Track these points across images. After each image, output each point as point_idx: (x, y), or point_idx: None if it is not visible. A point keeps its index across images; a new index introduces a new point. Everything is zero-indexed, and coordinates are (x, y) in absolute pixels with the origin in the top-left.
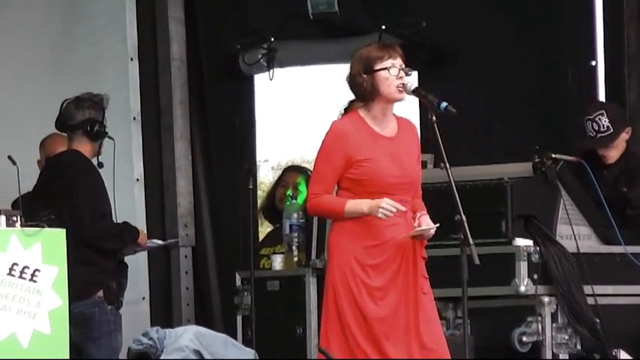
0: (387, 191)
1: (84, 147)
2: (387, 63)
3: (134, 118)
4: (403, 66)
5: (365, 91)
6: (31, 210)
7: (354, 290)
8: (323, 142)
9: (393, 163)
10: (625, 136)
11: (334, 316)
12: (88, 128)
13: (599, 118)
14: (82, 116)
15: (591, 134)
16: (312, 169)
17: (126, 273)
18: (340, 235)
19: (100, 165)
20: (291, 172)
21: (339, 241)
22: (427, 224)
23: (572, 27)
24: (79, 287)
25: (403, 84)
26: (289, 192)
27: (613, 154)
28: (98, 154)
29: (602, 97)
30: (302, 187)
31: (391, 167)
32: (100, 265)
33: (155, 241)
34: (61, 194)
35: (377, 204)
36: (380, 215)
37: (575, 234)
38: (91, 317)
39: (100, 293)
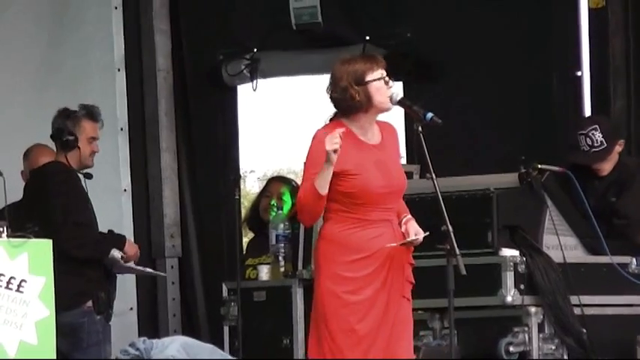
0: (375, 202)
1: (63, 157)
2: (377, 74)
3: (121, 129)
4: (387, 76)
5: (358, 103)
6: (17, 222)
7: (341, 302)
8: (309, 150)
9: (380, 173)
10: (618, 148)
11: (322, 327)
12: (60, 138)
13: (593, 133)
14: (56, 126)
15: (585, 149)
16: (297, 180)
17: (114, 283)
18: (327, 244)
19: (88, 176)
20: (275, 183)
21: (326, 252)
22: (415, 230)
23: (558, 37)
24: (67, 297)
25: (392, 93)
26: (273, 202)
27: (607, 166)
28: (88, 164)
29: (587, 107)
30: (286, 197)
31: (378, 178)
32: (88, 275)
33: (145, 269)
34: (41, 206)
35: (327, 150)
36: (329, 147)
37: (561, 244)
38: (80, 327)
39: (89, 303)
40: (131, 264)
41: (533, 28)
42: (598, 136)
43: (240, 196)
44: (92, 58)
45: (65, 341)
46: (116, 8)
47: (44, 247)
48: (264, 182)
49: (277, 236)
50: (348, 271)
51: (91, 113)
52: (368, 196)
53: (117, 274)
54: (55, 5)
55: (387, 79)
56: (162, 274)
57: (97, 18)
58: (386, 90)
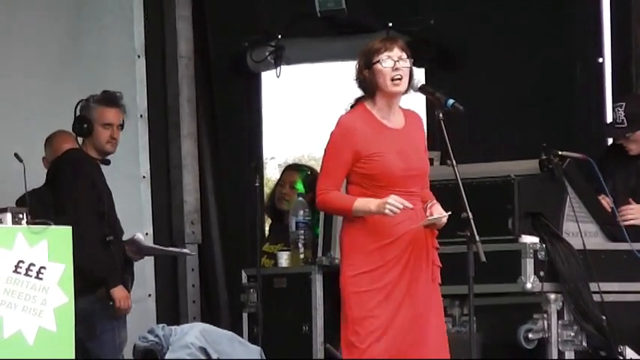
0: (396, 184)
1: (83, 145)
2: (383, 56)
3: (141, 116)
4: (403, 57)
5: (367, 85)
6: (38, 208)
7: (363, 287)
8: (330, 137)
9: (401, 156)
10: None
11: (346, 315)
12: (76, 125)
13: (617, 109)
14: (75, 115)
15: (613, 123)
16: (314, 166)
17: (131, 270)
18: (352, 231)
19: (105, 162)
20: (289, 172)
21: (352, 240)
22: (439, 213)
23: (579, 25)
24: (81, 283)
25: (400, 75)
26: (284, 191)
27: (632, 147)
28: (107, 151)
29: (608, 94)
30: (299, 186)
31: (399, 160)
32: (104, 255)
33: (167, 248)
34: (56, 194)
35: (384, 201)
36: (387, 212)
37: (581, 231)
38: (93, 313)
39: (104, 290)
40: (154, 245)
41: (555, 15)
42: (621, 113)
43: (261, 183)
44: (112, 45)
45: (78, 327)
46: None
47: (64, 234)
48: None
49: (297, 223)
50: (374, 256)
51: (107, 99)
52: (389, 178)
53: (134, 261)
54: None
55: (401, 59)
56: (185, 251)
57: (118, 5)
58: (388, 72)
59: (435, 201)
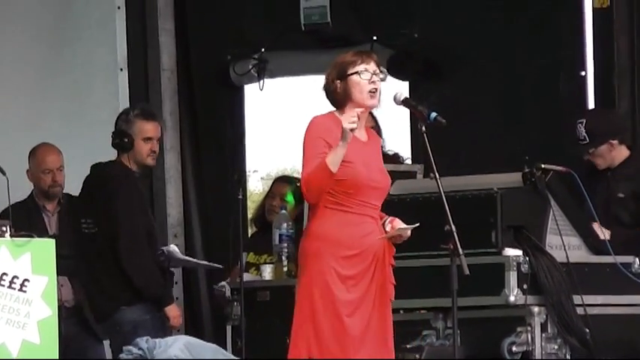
0: (362, 193)
1: (124, 159)
2: (360, 67)
3: None
4: (377, 71)
5: (338, 96)
6: (75, 216)
7: (332, 298)
8: (306, 133)
9: (367, 166)
10: (607, 147)
11: (307, 327)
12: (116, 140)
13: (579, 126)
14: (114, 129)
15: (576, 140)
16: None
17: (171, 280)
18: (316, 240)
19: (145, 176)
20: (279, 183)
21: (316, 246)
22: (402, 225)
23: (562, 37)
24: (130, 293)
25: (376, 89)
26: (275, 203)
27: (599, 161)
28: (148, 164)
29: (591, 107)
30: (289, 198)
31: (367, 171)
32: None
33: (199, 261)
34: (100, 207)
35: (342, 131)
36: (346, 125)
37: (564, 244)
38: (144, 323)
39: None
40: (186, 257)
41: (538, 27)
42: (582, 130)
43: (244, 195)
44: (95, 58)
45: (128, 337)
46: (119, 8)
47: (47, 246)
48: (268, 182)
49: (281, 236)
50: (341, 267)
51: (146, 113)
52: (357, 186)
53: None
54: (57, 5)
55: (376, 73)
56: (217, 265)
57: (101, 17)
58: (365, 85)
59: (392, 217)
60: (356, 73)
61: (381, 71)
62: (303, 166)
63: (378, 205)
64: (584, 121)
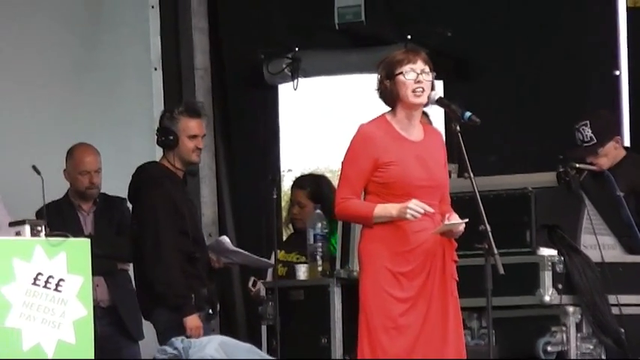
0: (413, 194)
1: (169, 157)
2: (406, 67)
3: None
4: (426, 70)
5: (388, 96)
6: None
7: (386, 298)
8: (350, 145)
9: (419, 166)
10: (613, 145)
11: (364, 325)
12: (161, 138)
13: (583, 129)
14: (159, 128)
15: (579, 143)
16: (332, 178)
17: (216, 280)
18: (370, 242)
19: (192, 173)
20: (294, 190)
21: (370, 248)
22: (455, 219)
23: (596, 36)
24: (156, 300)
25: (422, 88)
26: (295, 211)
27: (602, 161)
28: (193, 161)
29: (625, 106)
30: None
31: (418, 170)
32: (188, 271)
33: (252, 255)
34: (138, 213)
35: (405, 205)
36: (408, 216)
37: (599, 243)
38: (171, 328)
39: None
40: (237, 248)
41: (570, 27)
42: (588, 131)
43: (278, 195)
44: (129, 57)
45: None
46: (153, 7)
47: (82, 246)
48: None
49: (315, 235)
50: (393, 265)
51: (191, 110)
52: (406, 187)
53: (215, 267)
54: (90, 5)
55: (424, 72)
56: (267, 261)
57: (134, 17)
58: (410, 84)
59: (450, 212)
60: (401, 73)
61: (430, 69)
62: (340, 180)
63: (434, 203)
64: (588, 122)
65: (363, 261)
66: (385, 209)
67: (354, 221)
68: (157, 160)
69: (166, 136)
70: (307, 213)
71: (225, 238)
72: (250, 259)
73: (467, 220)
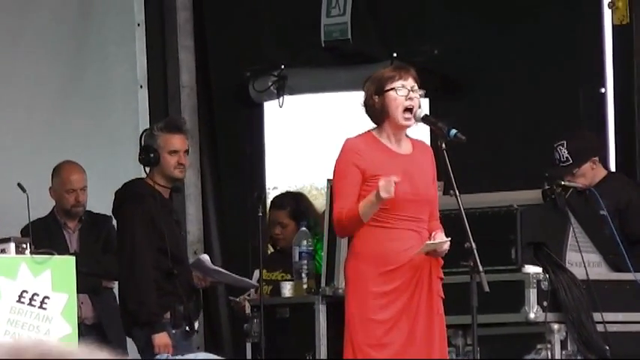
0: (401, 208)
1: (152, 175)
2: (397, 84)
3: None
4: (415, 87)
5: (376, 112)
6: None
7: (369, 320)
8: (337, 160)
9: (406, 180)
10: (589, 166)
11: (349, 343)
12: (142, 156)
13: (560, 148)
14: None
15: (556, 162)
16: (317, 196)
17: (197, 298)
18: (356, 261)
19: (176, 189)
20: (273, 211)
21: (356, 267)
22: (441, 238)
23: (582, 54)
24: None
25: (412, 106)
26: (277, 232)
27: (581, 181)
28: (176, 177)
29: (611, 124)
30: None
31: (404, 184)
32: (165, 288)
33: (233, 275)
34: (118, 230)
35: (377, 189)
36: (384, 195)
37: (584, 261)
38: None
39: (167, 316)
40: (218, 267)
41: (557, 44)
42: (564, 152)
43: (264, 213)
44: (114, 75)
45: (142, 354)
46: (139, 25)
47: (67, 264)
48: None
49: (300, 253)
50: (377, 285)
51: (171, 125)
52: (393, 201)
53: (199, 287)
54: (76, 23)
55: (413, 90)
56: (253, 283)
57: (120, 34)
58: (402, 101)
59: (440, 230)
60: (393, 89)
61: (419, 87)
62: (334, 196)
63: (422, 218)
64: (565, 142)
65: (348, 280)
66: (366, 201)
67: (352, 227)
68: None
69: (147, 154)
70: (290, 232)
71: (205, 257)
72: (232, 279)
73: (450, 238)
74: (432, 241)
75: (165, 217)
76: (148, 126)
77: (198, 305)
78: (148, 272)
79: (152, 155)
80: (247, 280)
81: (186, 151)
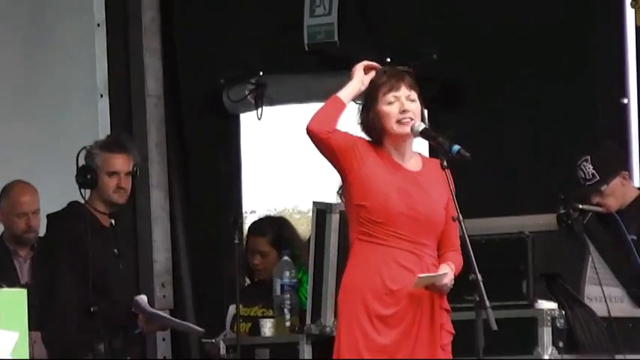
0: (396, 225)
1: (90, 197)
2: (388, 96)
3: None
4: (412, 96)
5: (371, 130)
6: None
7: (362, 344)
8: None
9: (405, 195)
10: (619, 181)
11: None
12: (78, 178)
13: (584, 165)
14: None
15: (581, 182)
16: (301, 222)
17: (123, 334)
18: (349, 289)
19: (113, 215)
20: (253, 237)
21: (348, 295)
22: (442, 270)
23: (601, 61)
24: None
25: (410, 118)
26: (256, 262)
27: (610, 202)
28: (115, 201)
29: (635, 138)
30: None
31: (402, 199)
32: (83, 326)
33: (175, 320)
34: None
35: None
36: (358, 77)
37: (605, 296)
38: None
39: (90, 356)
40: (156, 311)
41: (573, 50)
42: (589, 167)
43: (240, 240)
44: (71, 82)
45: None
46: (99, 25)
47: (18, 298)
48: None
49: (282, 286)
50: (371, 308)
51: (109, 144)
52: (387, 215)
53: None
54: (27, 24)
55: (402, 101)
56: (198, 329)
57: (78, 35)
58: (396, 115)
59: (449, 263)
60: (383, 103)
61: (418, 94)
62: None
63: (423, 242)
64: (589, 157)
65: (339, 315)
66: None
67: (326, 110)
68: None
69: (84, 175)
70: (271, 262)
71: (142, 298)
72: (173, 323)
73: (448, 271)
74: (425, 275)
75: (99, 245)
76: None
77: (129, 343)
78: (58, 303)
79: (89, 176)
80: (192, 325)
81: (129, 173)
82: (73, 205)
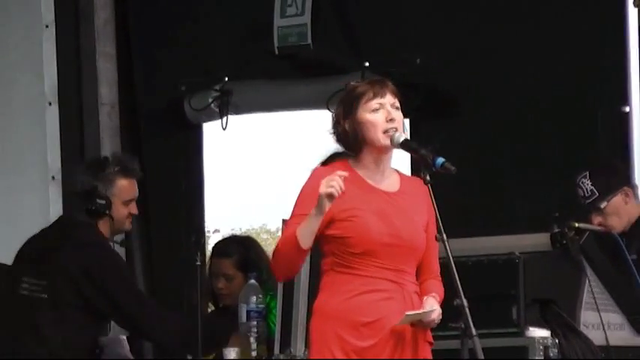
0: (376, 254)
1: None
2: (373, 103)
3: (53, 178)
4: (396, 104)
5: (349, 140)
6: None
7: None
8: (302, 186)
9: (384, 220)
10: (621, 199)
11: None
12: (88, 203)
13: (583, 182)
14: (82, 186)
15: (581, 201)
16: (269, 242)
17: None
18: (322, 317)
19: (123, 244)
20: (216, 260)
21: (321, 323)
22: (430, 306)
23: (600, 65)
24: None
25: (396, 128)
26: (220, 286)
27: (612, 222)
28: (124, 229)
29: (637, 149)
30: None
31: (381, 225)
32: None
33: None
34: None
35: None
36: (322, 190)
37: (603, 323)
38: None
39: None
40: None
41: (571, 56)
42: (587, 184)
43: (203, 261)
44: (16, 89)
45: None
46: (47, 27)
47: None
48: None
49: (249, 312)
50: (347, 340)
51: (127, 168)
52: (366, 244)
53: None
54: None
55: (388, 110)
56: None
57: (24, 38)
58: (382, 124)
59: (433, 294)
60: (368, 110)
61: (400, 102)
62: (287, 222)
63: (404, 269)
64: (587, 173)
65: (311, 342)
66: (305, 220)
67: (287, 258)
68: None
69: (97, 203)
70: (236, 286)
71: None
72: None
73: (436, 308)
74: (413, 312)
75: None
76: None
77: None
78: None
79: (102, 204)
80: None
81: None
82: (88, 231)
